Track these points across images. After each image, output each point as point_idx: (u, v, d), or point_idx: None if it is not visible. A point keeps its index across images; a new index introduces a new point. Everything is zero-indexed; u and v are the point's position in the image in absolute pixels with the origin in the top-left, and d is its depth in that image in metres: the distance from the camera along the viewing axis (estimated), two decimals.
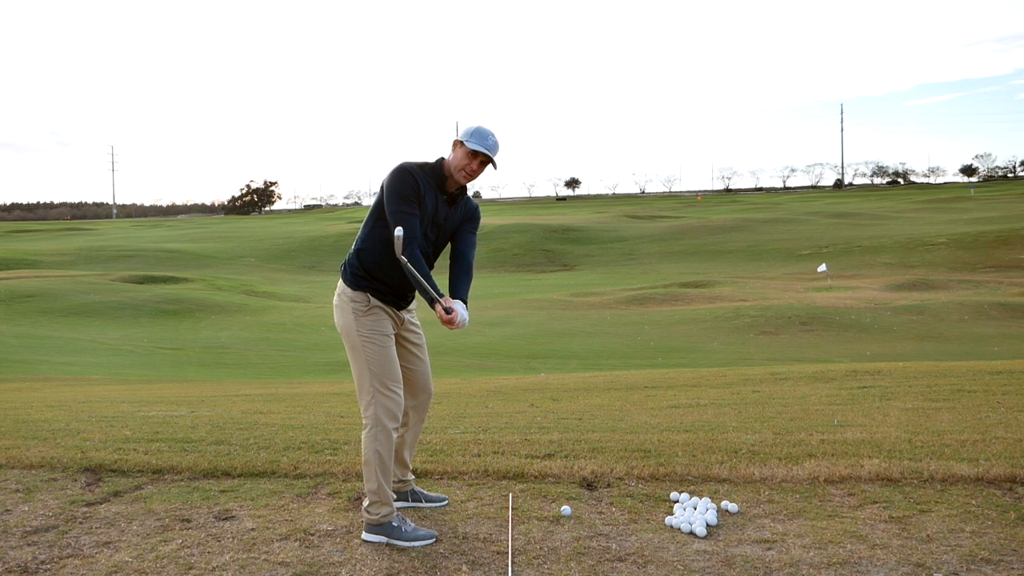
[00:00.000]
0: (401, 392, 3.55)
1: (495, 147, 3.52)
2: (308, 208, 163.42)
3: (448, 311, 3.35)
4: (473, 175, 3.54)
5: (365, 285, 3.52)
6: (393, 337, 3.59)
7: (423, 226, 3.50)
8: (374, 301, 3.52)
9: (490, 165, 3.55)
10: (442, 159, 3.59)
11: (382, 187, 3.51)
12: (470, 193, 3.74)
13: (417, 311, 3.82)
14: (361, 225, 3.63)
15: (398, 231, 3.35)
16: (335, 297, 3.63)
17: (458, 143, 3.52)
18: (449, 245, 3.71)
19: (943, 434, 5.06)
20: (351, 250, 3.63)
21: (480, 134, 3.50)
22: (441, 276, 3.58)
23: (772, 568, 3.07)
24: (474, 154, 3.49)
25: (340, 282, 3.62)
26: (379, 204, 3.53)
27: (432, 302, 3.39)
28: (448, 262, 3.71)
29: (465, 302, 3.51)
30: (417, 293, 3.59)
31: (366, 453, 3.46)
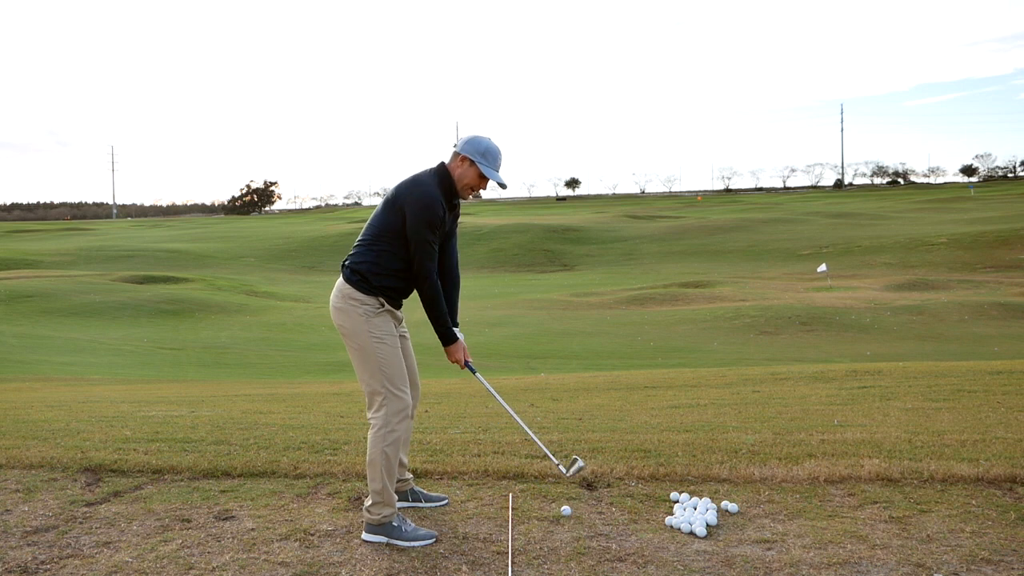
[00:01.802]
0: (409, 392, 3.55)
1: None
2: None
3: (464, 364, 3.69)
4: (476, 190, 3.58)
5: (378, 292, 3.51)
6: (399, 337, 3.60)
7: (438, 239, 3.52)
8: (386, 305, 3.53)
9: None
10: (446, 168, 3.56)
11: (400, 208, 3.44)
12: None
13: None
14: (367, 239, 3.54)
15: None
16: (337, 300, 3.55)
17: (467, 160, 3.50)
18: None
19: (943, 434, 5.06)
20: (360, 263, 3.52)
21: (492, 155, 3.52)
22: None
23: (772, 568, 3.07)
24: (484, 175, 3.52)
25: (344, 285, 3.53)
26: (398, 227, 3.45)
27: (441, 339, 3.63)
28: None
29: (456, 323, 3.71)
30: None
31: (372, 453, 3.45)
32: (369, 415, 3.52)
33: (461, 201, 3.68)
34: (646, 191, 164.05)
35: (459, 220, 3.76)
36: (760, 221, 68.76)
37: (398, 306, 3.60)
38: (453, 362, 3.68)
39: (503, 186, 3.58)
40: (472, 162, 3.49)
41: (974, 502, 3.69)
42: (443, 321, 3.56)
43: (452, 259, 3.72)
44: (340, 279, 3.60)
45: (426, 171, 3.58)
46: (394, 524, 3.43)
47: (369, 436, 3.50)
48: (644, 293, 35.88)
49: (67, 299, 35.93)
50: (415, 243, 3.44)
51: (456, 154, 3.53)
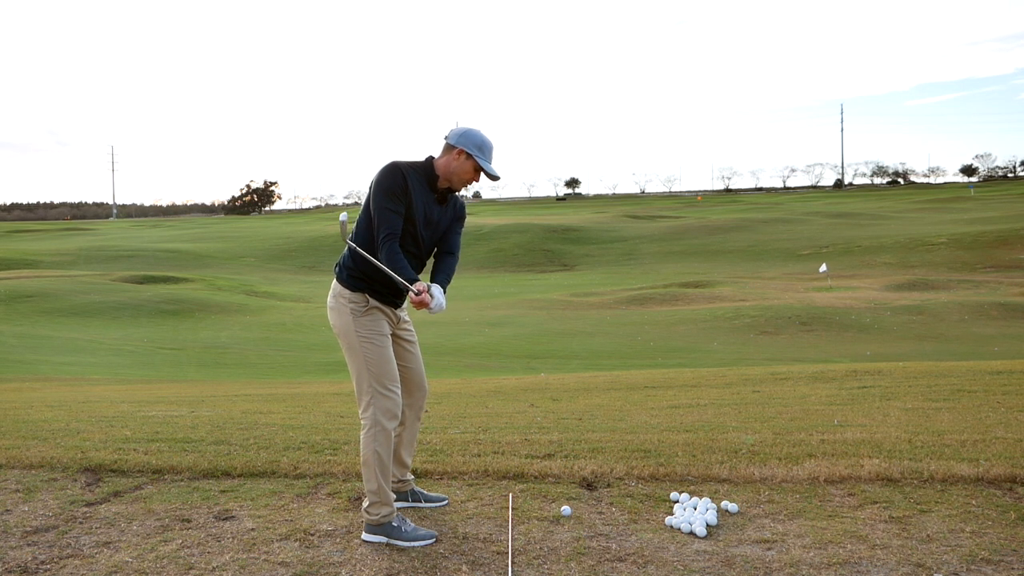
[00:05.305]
0: (399, 391, 3.54)
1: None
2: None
3: (418, 292, 3.32)
4: (470, 183, 3.57)
5: (363, 286, 3.51)
6: (390, 337, 3.59)
7: (417, 227, 3.49)
8: (372, 302, 3.52)
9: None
10: (431, 158, 3.57)
11: (371, 185, 3.50)
12: (469, 193, 3.74)
13: (408, 310, 3.82)
14: (354, 226, 3.60)
15: (342, 216, 3.40)
16: (330, 299, 3.60)
17: (463, 153, 3.48)
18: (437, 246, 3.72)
19: (943, 434, 5.06)
20: (345, 252, 3.61)
21: (487, 149, 3.51)
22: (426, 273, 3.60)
23: (772, 568, 3.07)
24: (479, 168, 3.50)
25: (335, 283, 3.60)
26: (370, 215, 3.50)
27: (404, 288, 3.37)
28: (433, 259, 3.73)
29: (444, 289, 3.54)
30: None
31: (365, 453, 3.45)
32: (360, 415, 3.53)
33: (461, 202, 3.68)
34: (646, 191, 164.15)
35: (463, 220, 3.73)
36: (760, 221, 68.77)
37: (392, 304, 3.57)
38: (419, 304, 3.34)
39: (496, 178, 3.56)
40: (468, 155, 3.49)
41: (974, 502, 3.69)
42: (404, 275, 3.35)
43: (455, 246, 3.69)
44: (334, 279, 3.64)
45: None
46: (394, 524, 3.43)
47: (361, 437, 3.50)
48: (644, 293, 35.87)
49: (67, 299, 35.93)
50: (374, 211, 3.42)
51: (451, 147, 3.51)
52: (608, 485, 4.07)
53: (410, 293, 3.33)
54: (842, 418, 6.03)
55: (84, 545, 3.44)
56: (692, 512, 3.55)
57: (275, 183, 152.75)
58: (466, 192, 3.70)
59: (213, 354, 24.38)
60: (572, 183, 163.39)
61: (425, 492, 3.91)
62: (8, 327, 28.84)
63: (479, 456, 4.64)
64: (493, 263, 58.14)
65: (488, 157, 3.51)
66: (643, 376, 11.60)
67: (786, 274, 45.33)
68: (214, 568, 3.18)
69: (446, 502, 3.88)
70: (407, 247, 3.48)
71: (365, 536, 3.44)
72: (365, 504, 3.46)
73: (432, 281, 3.56)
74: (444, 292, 3.52)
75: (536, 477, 4.20)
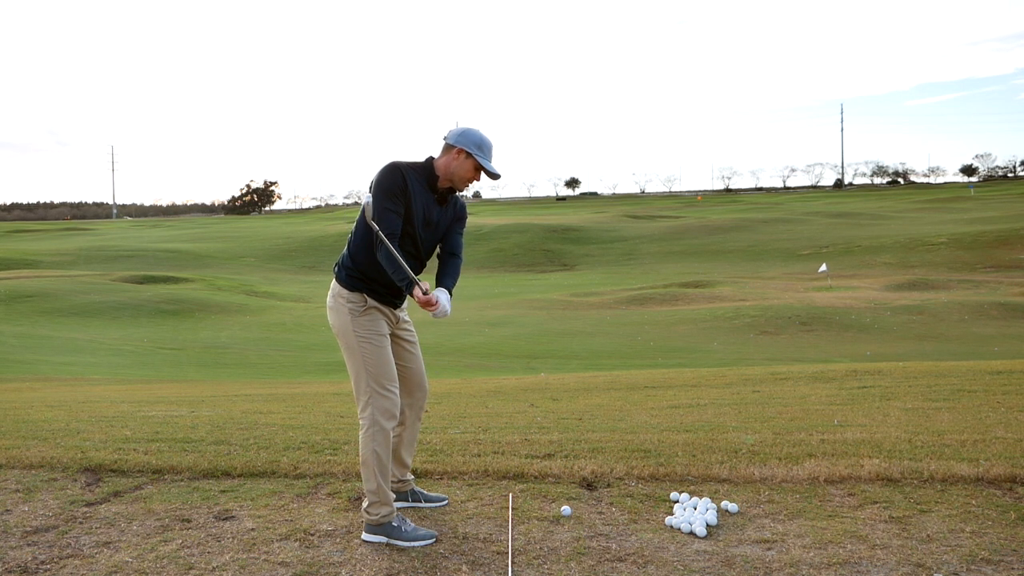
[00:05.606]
0: (397, 391, 3.54)
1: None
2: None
3: (426, 291, 3.32)
4: (471, 183, 3.57)
5: (361, 286, 3.51)
6: (389, 337, 3.58)
7: (415, 227, 3.48)
8: (371, 301, 3.52)
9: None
10: (431, 158, 3.57)
11: (371, 185, 3.49)
12: (469, 193, 3.74)
13: (408, 310, 3.82)
14: (354, 225, 3.61)
15: (366, 198, 3.37)
16: (329, 299, 3.60)
17: (463, 152, 3.48)
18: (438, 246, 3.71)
19: (943, 434, 5.06)
20: (344, 251, 3.61)
21: (487, 147, 3.51)
22: (430, 275, 3.59)
23: (772, 568, 3.06)
24: (479, 167, 3.50)
25: (334, 283, 3.60)
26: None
27: (410, 285, 3.35)
28: (437, 261, 3.72)
29: (450, 293, 3.52)
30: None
31: (364, 453, 3.45)
32: (359, 415, 3.53)
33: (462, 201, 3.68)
34: (646, 191, 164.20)
35: (464, 220, 3.72)
36: (760, 221, 68.79)
37: (391, 304, 3.57)
38: (425, 303, 3.35)
39: (497, 177, 3.55)
40: (468, 154, 3.49)
41: (974, 502, 3.68)
42: (401, 276, 3.34)
43: (457, 247, 3.68)
44: (333, 279, 3.64)
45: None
46: (394, 524, 3.43)
47: (360, 436, 3.50)
48: (644, 293, 35.88)
49: (67, 299, 35.94)
50: (373, 209, 3.41)
51: (450, 147, 3.51)
52: (608, 485, 4.07)
53: (416, 291, 3.33)
54: (842, 418, 6.03)
55: (84, 545, 3.44)
56: (692, 512, 3.55)
57: (275, 183, 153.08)
58: (466, 192, 3.70)
59: (213, 354, 24.38)
60: (572, 183, 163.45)
61: (425, 492, 3.91)
62: (8, 327, 28.85)
63: (479, 456, 4.64)
64: (493, 263, 58.14)
65: (488, 156, 3.52)
66: (643, 376, 11.60)
67: (786, 274, 45.34)
68: (214, 568, 3.18)
69: (446, 502, 3.88)
70: (406, 248, 3.48)
71: (365, 536, 3.44)
72: (365, 504, 3.46)
73: (438, 285, 3.56)
74: (450, 297, 3.52)
75: (536, 477, 4.20)
